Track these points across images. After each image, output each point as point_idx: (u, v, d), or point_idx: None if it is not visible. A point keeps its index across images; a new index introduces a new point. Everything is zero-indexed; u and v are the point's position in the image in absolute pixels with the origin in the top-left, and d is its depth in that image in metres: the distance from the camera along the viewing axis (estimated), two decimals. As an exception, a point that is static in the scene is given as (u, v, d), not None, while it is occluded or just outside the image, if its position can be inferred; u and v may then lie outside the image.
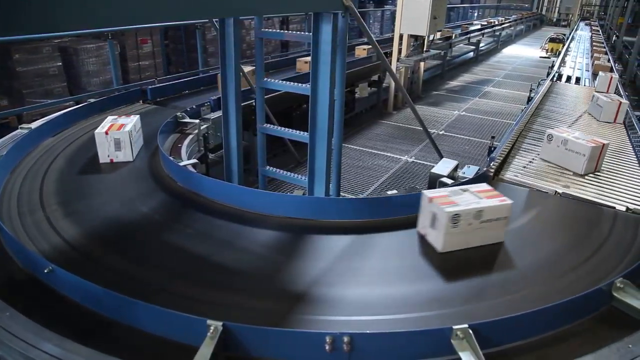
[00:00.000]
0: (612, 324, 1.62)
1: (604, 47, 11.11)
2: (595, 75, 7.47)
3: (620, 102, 4.21)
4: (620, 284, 1.70)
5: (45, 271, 1.69)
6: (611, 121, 4.20)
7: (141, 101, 4.38)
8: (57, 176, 2.69)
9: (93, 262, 1.93)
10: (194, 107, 4.02)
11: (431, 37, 8.35)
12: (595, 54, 9.56)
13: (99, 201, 2.46)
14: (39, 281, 1.74)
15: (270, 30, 3.31)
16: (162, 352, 1.47)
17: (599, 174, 2.99)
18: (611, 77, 5.25)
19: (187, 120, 3.73)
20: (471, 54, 13.86)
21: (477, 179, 2.61)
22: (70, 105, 5.41)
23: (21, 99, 6.16)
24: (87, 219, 2.25)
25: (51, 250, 1.97)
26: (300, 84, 3.19)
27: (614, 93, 5.18)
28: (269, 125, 3.51)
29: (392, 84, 7.79)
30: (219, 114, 3.73)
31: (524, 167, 3.05)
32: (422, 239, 2.14)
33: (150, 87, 4.47)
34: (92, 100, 4.26)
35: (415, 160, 5.81)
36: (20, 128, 3.27)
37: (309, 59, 5.70)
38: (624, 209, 2.50)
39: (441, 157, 4.13)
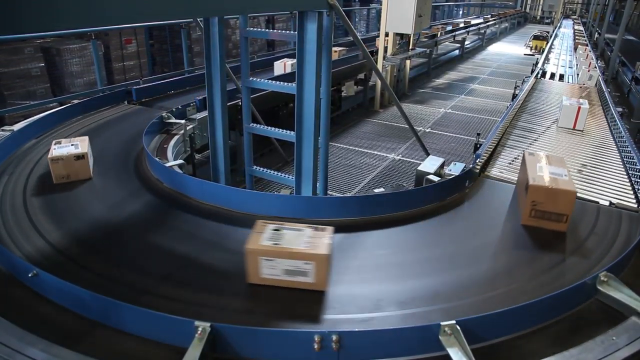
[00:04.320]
0: (597, 317, 1.65)
1: (587, 44, 11.28)
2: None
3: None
4: (604, 277, 1.72)
5: (30, 275, 1.67)
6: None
7: (126, 102, 4.33)
8: (41, 178, 2.65)
9: (78, 265, 1.91)
10: (179, 107, 3.99)
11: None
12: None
13: (84, 203, 2.42)
14: (23, 285, 1.71)
15: (255, 29, 3.29)
16: (150, 355, 1.45)
17: (582, 169, 3.03)
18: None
19: (173, 120, 3.70)
20: (457, 51, 13.95)
21: (464, 175, 2.63)
22: (54, 106, 5.33)
23: (2, 101, 6.05)
24: (72, 221, 2.22)
25: (35, 254, 1.95)
26: (286, 83, 3.18)
27: (594, 86, 5.22)
28: (255, 124, 3.50)
29: (379, 82, 7.81)
30: (205, 114, 3.71)
31: (510, 163, 3.08)
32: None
33: (135, 87, 4.42)
34: (75, 101, 4.20)
35: (402, 158, 5.84)
36: (2, 130, 3.22)
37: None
38: (607, 203, 2.54)
39: (427, 154, 4.16)
